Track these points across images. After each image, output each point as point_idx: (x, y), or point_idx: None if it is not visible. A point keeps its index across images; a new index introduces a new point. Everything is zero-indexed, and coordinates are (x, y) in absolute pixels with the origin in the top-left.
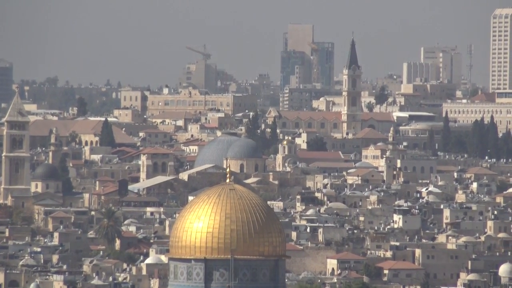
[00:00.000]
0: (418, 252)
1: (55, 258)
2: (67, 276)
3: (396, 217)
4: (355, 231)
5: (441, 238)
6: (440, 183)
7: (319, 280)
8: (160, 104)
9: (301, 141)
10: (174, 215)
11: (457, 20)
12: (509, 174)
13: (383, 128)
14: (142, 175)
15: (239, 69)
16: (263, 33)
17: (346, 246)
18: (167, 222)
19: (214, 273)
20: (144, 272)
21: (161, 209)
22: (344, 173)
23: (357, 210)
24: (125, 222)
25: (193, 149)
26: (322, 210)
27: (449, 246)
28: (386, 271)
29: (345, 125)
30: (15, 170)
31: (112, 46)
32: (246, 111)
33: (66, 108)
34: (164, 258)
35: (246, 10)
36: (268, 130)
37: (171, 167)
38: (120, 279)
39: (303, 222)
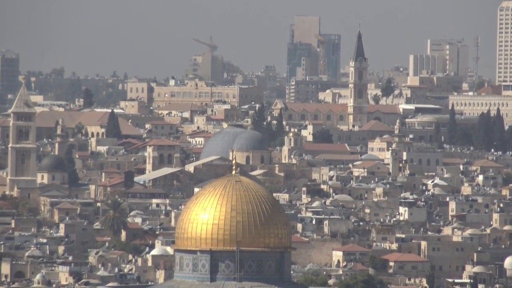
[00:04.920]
0: (423, 244)
1: (61, 249)
2: (73, 267)
3: (401, 209)
4: (361, 223)
5: (447, 231)
6: (446, 175)
7: (324, 272)
8: (166, 95)
9: (307, 133)
10: (180, 207)
11: (464, 12)
12: None
13: (389, 121)
14: (148, 166)
15: (246, 61)
16: (269, 25)
17: (351, 238)
18: (172, 214)
19: (220, 264)
20: (149, 263)
21: (167, 201)
22: (350, 165)
23: (363, 202)
24: (131, 214)
25: (199, 141)
26: (327, 202)
27: (455, 239)
28: (391, 263)
29: (351, 117)
30: (21, 161)
31: (119, 38)
32: (252, 103)
33: (72, 99)
34: (169, 250)
35: (253, 2)
36: (274, 122)
37: (177, 158)
38: (125, 270)
39: (309, 214)
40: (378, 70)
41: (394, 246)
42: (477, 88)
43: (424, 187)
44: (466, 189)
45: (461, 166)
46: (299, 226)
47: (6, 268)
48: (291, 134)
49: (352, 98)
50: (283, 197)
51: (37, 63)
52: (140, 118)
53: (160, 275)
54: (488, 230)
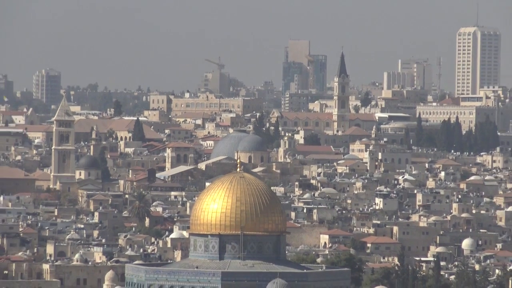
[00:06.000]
0: (395, 229)
1: (95, 233)
2: (106, 248)
3: (377, 200)
4: (344, 211)
5: (415, 218)
6: (414, 172)
7: (313, 252)
8: (182, 106)
9: (299, 137)
10: (194, 198)
11: (428, 37)
12: (470, 165)
13: (367, 127)
14: (167, 165)
15: (248, 77)
16: (268, 47)
17: (336, 224)
18: (188, 204)
19: (227, 246)
20: (169, 245)
21: (183, 193)
22: (335, 163)
23: (345, 194)
24: (153, 204)
25: (209, 144)
26: (316, 194)
27: (421, 224)
28: (369, 245)
29: (335, 124)
30: (63, 161)
31: (143, 58)
32: (254, 112)
33: (104, 109)
34: (185, 234)
35: (254, 28)
36: (272, 128)
37: (191, 158)
38: (149, 250)
39: (301, 204)
40: (358, 85)
41: (371, 230)
42: (440, 100)
43: (396, 182)
44: (430, 183)
45: (426, 164)
46: (293, 214)
47: (50, 249)
48: (285, 138)
49: (336, 108)
50: (279, 190)
51: (76, 79)
52: (160, 124)
53: (178, 254)
54: (448, 217)
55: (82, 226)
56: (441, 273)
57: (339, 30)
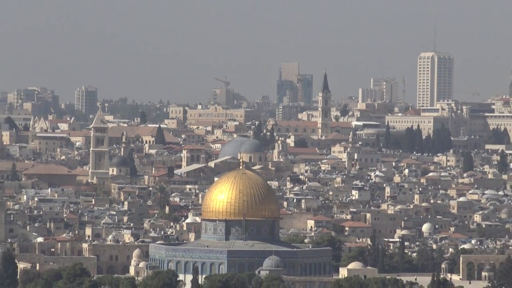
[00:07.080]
0: (368, 215)
1: (125, 218)
2: (133, 230)
3: (354, 192)
4: (326, 201)
5: (384, 206)
6: (383, 169)
7: (302, 234)
8: (195, 115)
9: (290, 141)
10: (205, 190)
11: (395, 60)
12: (429, 164)
13: (345, 132)
14: (183, 163)
15: (249, 92)
16: (265, 67)
17: (320, 212)
18: (200, 195)
19: (232, 229)
20: (184, 228)
21: (196, 186)
22: (319, 162)
23: (328, 187)
24: (172, 195)
25: (217, 146)
26: (304, 187)
27: (389, 212)
28: (347, 228)
29: (320, 130)
30: (99, 160)
31: (164, 77)
32: (253, 120)
33: (132, 118)
34: (198, 219)
35: (254, 52)
36: (268, 133)
37: (203, 158)
38: (168, 233)
39: (291, 195)
40: (338, 98)
41: (349, 216)
42: (404, 111)
43: (368, 177)
44: (397, 178)
45: (393, 163)
46: (285, 203)
47: (89, 231)
48: (279, 142)
49: (320, 117)
50: (274, 184)
51: (109, 93)
52: (178, 130)
53: (192, 236)
54: (411, 206)
55: (114, 212)
56: (405, 251)
57: (323, 54)
